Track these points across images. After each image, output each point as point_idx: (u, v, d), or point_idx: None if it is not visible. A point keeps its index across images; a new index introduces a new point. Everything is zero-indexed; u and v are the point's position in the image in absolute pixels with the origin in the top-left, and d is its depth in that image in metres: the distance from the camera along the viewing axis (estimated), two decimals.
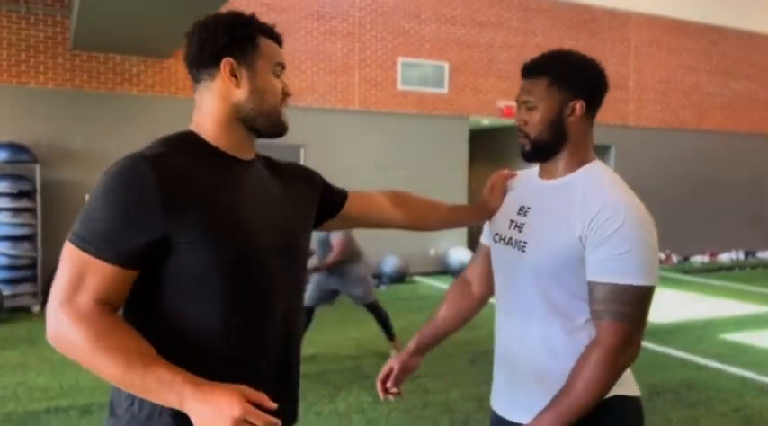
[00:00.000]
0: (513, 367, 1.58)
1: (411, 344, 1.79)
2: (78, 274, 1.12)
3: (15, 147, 6.83)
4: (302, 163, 8.60)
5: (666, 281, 9.31)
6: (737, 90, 11.90)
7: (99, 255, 1.12)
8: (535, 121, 1.51)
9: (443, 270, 9.34)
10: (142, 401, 1.16)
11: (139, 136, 7.70)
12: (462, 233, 9.65)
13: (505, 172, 1.74)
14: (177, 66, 7.86)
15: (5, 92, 7.12)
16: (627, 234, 1.37)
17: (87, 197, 1.16)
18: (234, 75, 1.25)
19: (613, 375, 1.38)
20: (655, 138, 11.01)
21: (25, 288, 6.69)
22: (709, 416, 3.97)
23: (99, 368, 1.10)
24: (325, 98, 8.68)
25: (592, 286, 1.41)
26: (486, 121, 10.13)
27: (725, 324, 6.52)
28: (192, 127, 1.30)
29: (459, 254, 9.24)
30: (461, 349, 5.34)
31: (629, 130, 10.76)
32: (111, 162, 1.19)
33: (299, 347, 1.42)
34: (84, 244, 1.12)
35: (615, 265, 1.37)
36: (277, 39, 1.33)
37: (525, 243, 1.53)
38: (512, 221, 1.59)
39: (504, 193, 1.70)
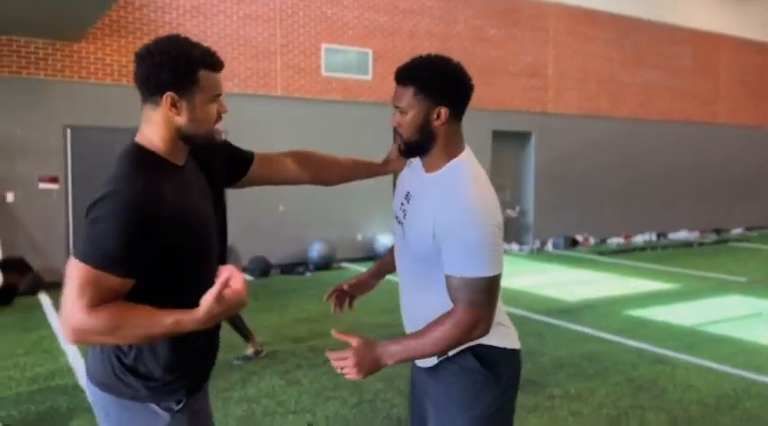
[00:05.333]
0: (408, 324, 1.86)
1: (371, 269, 2.12)
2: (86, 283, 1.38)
3: None
4: None
5: (582, 262, 9.73)
6: (649, 79, 12.47)
7: (110, 270, 1.36)
8: (406, 125, 1.68)
9: (370, 255, 9.43)
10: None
11: (49, 121, 7.47)
12: (390, 219, 9.75)
13: None
14: (89, 49, 7.56)
15: None
16: (472, 235, 1.56)
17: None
18: (175, 105, 1.45)
19: (458, 342, 1.63)
20: (572, 125, 11.42)
21: None
22: (605, 386, 4.21)
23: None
24: (246, 83, 8.56)
25: (447, 278, 1.61)
26: None
27: (630, 301, 6.89)
28: (140, 140, 1.50)
29: (386, 240, 9.35)
30: (366, 333, 5.44)
31: (549, 117, 11.12)
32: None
33: None
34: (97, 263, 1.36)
35: (466, 262, 1.57)
36: (216, 67, 1.49)
37: (405, 228, 1.76)
38: (401, 204, 1.80)
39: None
